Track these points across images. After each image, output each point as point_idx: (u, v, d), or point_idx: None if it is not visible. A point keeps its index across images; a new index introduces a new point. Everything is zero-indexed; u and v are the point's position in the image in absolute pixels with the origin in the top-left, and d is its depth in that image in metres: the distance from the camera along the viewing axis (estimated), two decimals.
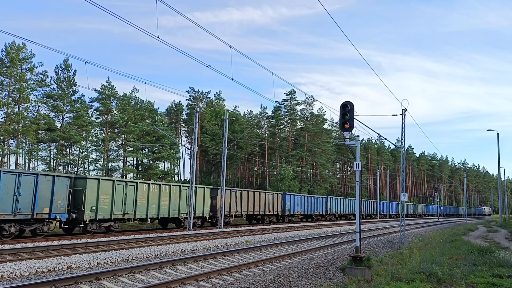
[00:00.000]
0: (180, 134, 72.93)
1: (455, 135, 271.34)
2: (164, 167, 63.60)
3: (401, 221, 22.33)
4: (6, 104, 40.28)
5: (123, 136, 54.51)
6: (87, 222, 20.99)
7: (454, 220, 69.48)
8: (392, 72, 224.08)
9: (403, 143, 23.41)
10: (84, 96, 50.23)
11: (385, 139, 24.47)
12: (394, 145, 35.06)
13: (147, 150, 56.93)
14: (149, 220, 25.98)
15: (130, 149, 54.03)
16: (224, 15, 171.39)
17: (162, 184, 26.96)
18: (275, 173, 73.57)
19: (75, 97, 48.77)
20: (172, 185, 27.81)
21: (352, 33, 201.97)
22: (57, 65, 48.45)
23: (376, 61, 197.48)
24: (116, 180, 23.32)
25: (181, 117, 73.63)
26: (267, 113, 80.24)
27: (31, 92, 43.55)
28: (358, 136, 13.40)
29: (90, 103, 53.18)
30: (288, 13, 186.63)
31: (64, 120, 47.91)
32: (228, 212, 32.43)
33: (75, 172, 49.12)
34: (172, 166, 65.45)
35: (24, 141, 45.05)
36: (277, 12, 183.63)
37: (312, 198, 46.69)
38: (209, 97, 77.36)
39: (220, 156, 50.94)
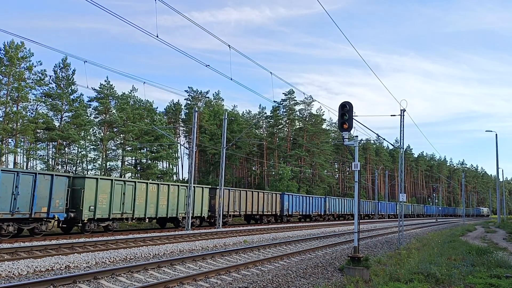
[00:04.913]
0: (179, 134, 72.88)
1: (454, 135, 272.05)
2: (163, 167, 63.61)
3: (399, 222, 22.35)
4: (4, 103, 40.21)
5: (121, 135, 54.47)
6: (85, 221, 20.98)
7: (453, 221, 69.57)
8: (390, 73, 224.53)
9: (401, 144, 23.41)
10: (82, 95, 50.30)
11: (384, 139, 24.45)
12: (393, 145, 35.02)
13: (145, 149, 56.87)
14: (147, 219, 25.95)
15: (128, 148, 53.99)
16: (222, 15, 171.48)
17: (161, 184, 26.93)
18: (273, 173, 73.56)
19: (73, 96, 48.75)
20: (171, 184, 27.80)
21: (349, 34, 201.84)
22: (55, 64, 48.47)
23: (374, 62, 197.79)
24: (115, 180, 23.30)
25: (179, 116, 73.58)
26: (265, 113, 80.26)
27: (29, 91, 43.50)
28: (357, 136, 13.40)
29: (89, 102, 53.29)
30: (285, 13, 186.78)
31: (63, 119, 47.85)
32: (227, 212, 32.43)
33: (74, 171, 49.08)
34: (171, 165, 65.43)
35: (22, 140, 45.01)
36: (274, 12, 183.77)
37: (311, 198, 46.71)
38: (208, 97, 77.43)
39: (218, 156, 50.92)
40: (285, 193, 42.68)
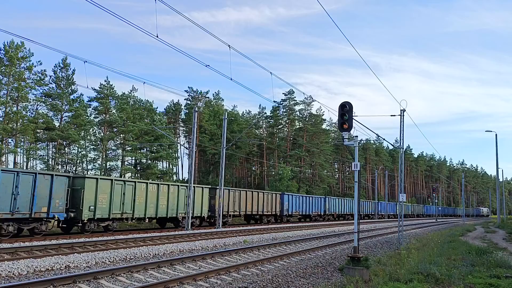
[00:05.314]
0: (179, 134, 72.89)
1: (453, 135, 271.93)
2: (163, 167, 63.61)
3: (399, 222, 22.37)
4: (4, 103, 40.20)
5: (121, 135, 54.45)
6: (85, 221, 20.99)
7: (452, 221, 69.61)
8: (389, 73, 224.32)
9: (401, 144, 23.42)
10: (82, 95, 50.31)
11: (383, 139, 24.45)
12: (393, 145, 35.00)
13: (145, 149, 56.87)
14: (147, 219, 25.96)
15: (128, 148, 53.98)
16: (222, 15, 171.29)
17: (161, 184, 26.94)
18: (273, 173, 73.56)
19: (73, 96, 48.75)
20: (171, 184, 27.81)
21: (349, 34, 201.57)
22: (55, 64, 48.48)
23: (373, 62, 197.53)
24: (115, 180, 23.30)
25: (179, 116, 73.58)
26: (265, 113, 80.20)
27: (29, 91, 43.51)
28: (357, 136, 13.39)
29: (89, 102, 53.25)
30: (285, 13, 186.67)
31: (63, 119, 47.86)
32: (227, 212, 32.44)
33: (74, 171, 49.07)
34: (171, 165, 65.44)
35: (22, 140, 45.00)
36: (274, 12, 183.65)
37: (311, 198, 46.72)
38: (208, 97, 77.39)
39: (218, 156, 50.92)
40: (285, 193, 42.69)
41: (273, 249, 17.76)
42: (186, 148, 67.69)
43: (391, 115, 67.89)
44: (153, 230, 25.80)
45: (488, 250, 16.70)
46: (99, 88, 53.10)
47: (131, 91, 57.36)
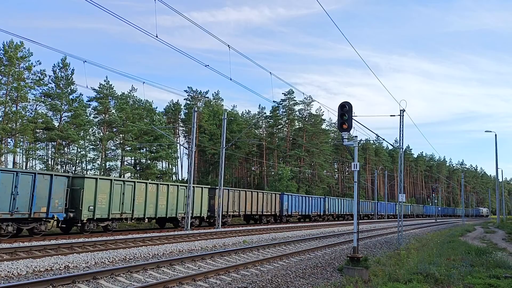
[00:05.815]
0: (178, 134, 72.90)
1: (453, 136, 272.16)
2: (162, 167, 63.59)
3: (398, 222, 22.37)
4: (4, 102, 40.17)
5: (121, 135, 54.45)
6: (84, 221, 20.97)
7: (452, 221, 69.64)
8: (389, 73, 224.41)
9: (401, 144, 23.44)
10: (82, 95, 50.31)
11: (383, 139, 24.49)
12: (392, 145, 35.08)
13: (145, 149, 56.84)
14: (146, 219, 25.95)
15: (128, 148, 53.97)
16: (221, 15, 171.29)
17: (160, 184, 26.91)
18: (273, 173, 73.57)
19: (73, 96, 48.76)
20: (170, 184, 27.79)
21: (349, 34, 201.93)
22: (55, 64, 48.42)
23: (373, 62, 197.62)
24: (114, 180, 23.28)
25: (179, 116, 73.59)
26: (265, 113, 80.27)
27: (29, 91, 43.49)
28: (356, 136, 13.38)
29: (88, 102, 53.28)
30: (285, 13, 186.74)
31: (62, 119, 47.84)
32: (226, 212, 32.43)
33: (73, 171, 49.04)
34: (170, 165, 65.42)
35: (21, 140, 44.96)
36: (274, 12, 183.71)
37: (310, 198, 46.71)
38: (207, 97, 77.44)
39: (218, 156, 50.88)
40: (285, 193, 42.67)
41: (272, 249, 17.75)
42: (186, 148, 67.70)
43: (391, 115, 67.84)
44: (153, 230, 25.79)
45: (487, 250, 16.70)
46: (99, 88, 53.12)
47: (131, 91, 57.46)
